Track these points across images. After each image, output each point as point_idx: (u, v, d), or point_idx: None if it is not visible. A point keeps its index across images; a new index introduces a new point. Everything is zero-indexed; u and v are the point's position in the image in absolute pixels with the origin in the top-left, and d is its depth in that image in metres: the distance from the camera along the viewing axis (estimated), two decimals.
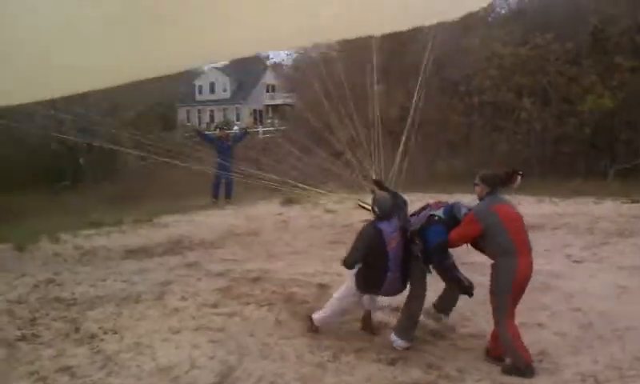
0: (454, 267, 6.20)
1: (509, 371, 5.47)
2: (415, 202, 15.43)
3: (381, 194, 6.38)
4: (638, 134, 21.89)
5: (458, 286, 6.16)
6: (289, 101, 53.89)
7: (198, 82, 65.44)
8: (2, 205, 23.26)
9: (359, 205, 7.21)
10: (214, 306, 7.61)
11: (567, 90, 24.03)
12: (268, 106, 63.66)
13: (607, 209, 13.49)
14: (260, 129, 49.95)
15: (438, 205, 6.31)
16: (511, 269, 5.51)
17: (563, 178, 19.05)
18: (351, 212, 14.23)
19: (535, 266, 8.93)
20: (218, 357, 5.97)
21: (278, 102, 60.50)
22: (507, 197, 5.98)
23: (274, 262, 9.90)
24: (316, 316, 6.67)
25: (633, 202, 13.89)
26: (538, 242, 10.66)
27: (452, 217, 6.02)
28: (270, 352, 6.10)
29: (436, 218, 6.06)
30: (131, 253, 10.72)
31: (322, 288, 8.30)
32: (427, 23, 4.99)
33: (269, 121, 59.79)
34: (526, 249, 5.67)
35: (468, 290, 6.14)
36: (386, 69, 32.46)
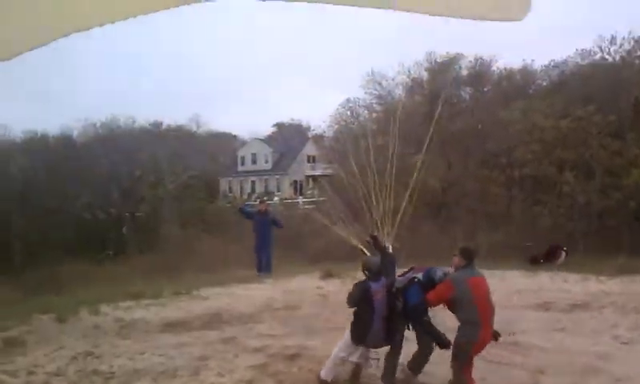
0: (429, 325, 6.78)
1: None
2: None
3: (369, 258, 7.31)
4: None
5: (436, 341, 6.75)
6: (328, 171, 54.29)
7: (240, 153, 66.70)
8: (46, 275, 23.78)
9: (360, 249, 8.05)
10: (250, 383, 7.51)
11: (611, 163, 23.66)
12: (308, 176, 64.23)
13: None
14: (300, 200, 50.34)
15: (420, 268, 7.06)
16: (473, 335, 6.30)
17: (608, 254, 18.50)
18: None
19: (581, 347, 8.74)
20: None
21: (318, 172, 61.02)
22: (480, 271, 6.72)
23: (313, 338, 9.76)
24: (322, 373, 7.33)
25: None
26: (584, 322, 10.39)
27: (430, 279, 6.76)
28: None
29: (416, 279, 6.84)
30: (170, 326, 10.74)
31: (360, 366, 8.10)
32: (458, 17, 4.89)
33: (309, 191, 60.23)
34: (488, 322, 6.40)
35: (445, 345, 6.68)
36: (422, 139, 32.57)
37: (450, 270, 6.89)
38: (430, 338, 6.84)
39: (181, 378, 7.78)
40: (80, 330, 10.59)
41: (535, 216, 24.43)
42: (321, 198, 47.22)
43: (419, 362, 7.23)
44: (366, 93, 44.65)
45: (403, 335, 7.07)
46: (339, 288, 14.16)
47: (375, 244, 7.48)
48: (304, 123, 72.98)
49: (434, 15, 5.24)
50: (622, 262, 16.17)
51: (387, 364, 7.15)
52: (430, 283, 6.73)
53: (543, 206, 24.66)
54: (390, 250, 7.61)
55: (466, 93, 40.62)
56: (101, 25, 4.63)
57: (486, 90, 39.64)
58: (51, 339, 9.90)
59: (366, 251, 7.78)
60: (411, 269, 7.24)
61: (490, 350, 8.83)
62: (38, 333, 10.35)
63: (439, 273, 6.79)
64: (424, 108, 34.24)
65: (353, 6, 5.24)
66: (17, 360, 8.75)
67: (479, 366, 7.65)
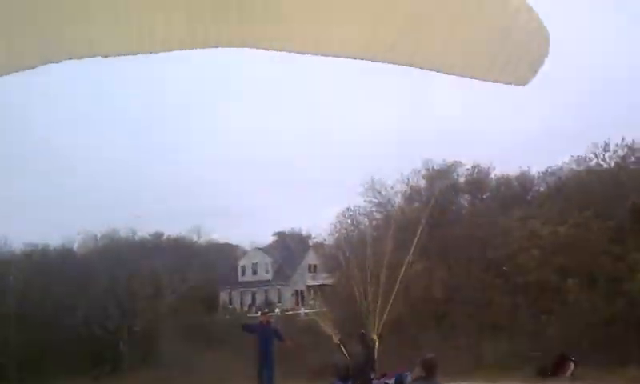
0: None
1: None
2: None
3: (338, 360, 8.59)
4: None
5: None
6: (329, 281, 53.84)
7: (241, 263, 66.31)
8: None
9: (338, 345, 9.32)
10: None
11: (613, 268, 23.42)
12: (310, 286, 63.49)
13: None
14: (302, 311, 49.64)
15: (392, 373, 8.18)
16: None
17: (617, 364, 17.99)
18: None
19: None
20: None
21: (319, 282, 60.39)
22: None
23: None
24: None
25: None
26: None
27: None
28: None
29: None
30: None
31: None
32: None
33: (311, 301, 59.41)
34: None
35: None
36: (425, 245, 32.45)
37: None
38: None
39: None
40: None
41: (541, 325, 23.89)
42: (323, 309, 46.63)
43: None
44: (365, 201, 44.94)
45: None
46: None
47: (362, 339, 8.47)
48: (304, 232, 73.00)
49: (436, 70, 5.14)
50: (633, 375, 15.69)
51: None
52: None
53: (549, 314, 24.18)
54: (376, 342, 8.81)
55: (465, 200, 40.89)
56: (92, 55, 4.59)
57: (484, 196, 39.92)
58: None
59: (343, 349, 8.93)
60: (384, 374, 8.15)
61: None
62: None
63: (409, 379, 7.46)
64: (423, 215, 34.14)
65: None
66: None
67: None
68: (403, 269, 8.84)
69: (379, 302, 9.17)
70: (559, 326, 23.64)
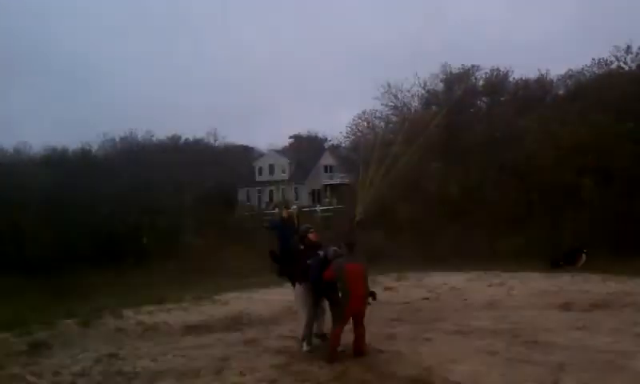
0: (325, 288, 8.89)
1: (325, 357, 8.46)
2: (474, 279, 15.24)
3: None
4: None
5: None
6: (346, 180, 54.38)
7: (257, 164, 66.97)
8: (69, 282, 24.04)
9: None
10: (273, 381, 7.59)
11: (630, 168, 23.45)
12: (326, 185, 64.26)
13: None
14: (318, 208, 50.41)
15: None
16: (344, 303, 8.52)
17: (630, 257, 18.39)
18: (410, 289, 14.15)
19: (601, 345, 8.71)
20: None
21: (336, 181, 61.06)
22: (359, 258, 8.86)
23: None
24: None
25: None
26: (605, 321, 10.34)
27: (325, 256, 8.88)
28: None
29: (320, 256, 8.93)
30: (192, 329, 10.88)
31: (378, 363, 8.15)
32: None
33: (327, 200, 60.26)
34: (357, 294, 8.56)
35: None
36: (443, 147, 32.65)
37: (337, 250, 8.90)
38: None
39: (203, 377, 7.87)
40: (103, 333, 10.77)
41: (555, 221, 24.25)
42: (338, 206, 47.40)
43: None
44: (382, 104, 44.67)
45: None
46: None
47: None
48: (320, 135, 73.13)
49: None
50: None
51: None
52: (326, 260, 8.83)
53: (563, 211, 24.47)
54: (358, 219, 10.15)
55: (483, 103, 40.54)
56: None
57: (502, 99, 39.51)
58: (76, 342, 10.08)
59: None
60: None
61: (510, 348, 8.89)
62: (63, 336, 10.54)
63: (330, 251, 8.90)
64: (440, 119, 34.26)
65: None
66: (43, 362, 8.93)
67: (497, 362, 7.67)
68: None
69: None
70: (573, 222, 23.98)
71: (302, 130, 76.60)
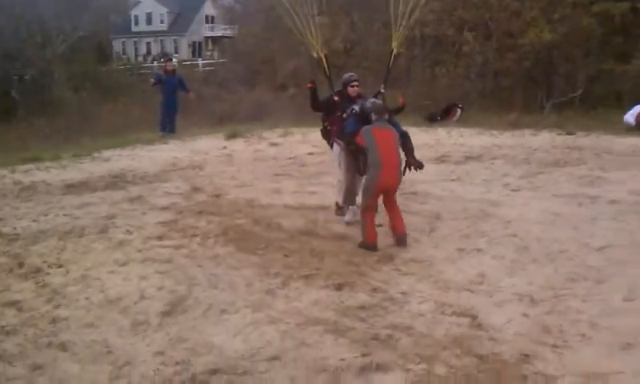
0: (353, 146, 7.55)
1: (361, 245, 7.16)
2: None
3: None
4: (576, 68, 22.40)
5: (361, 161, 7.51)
6: (229, 33, 52.76)
7: (133, 13, 63.14)
8: None
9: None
10: (160, 238, 7.57)
11: (509, 24, 24.24)
12: (207, 37, 62.15)
13: (543, 140, 13.95)
14: (200, 62, 48.91)
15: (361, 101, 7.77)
16: (375, 176, 7.16)
17: (502, 111, 19.48)
18: (295, 145, 14.32)
19: (474, 195, 9.35)
20: (167, 287, 5.98)
21: (218, 34, 59.13)
22: (389, 125, 7.43)
23: (220, 195, 9.88)
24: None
25: (567, 133, 14.39)
26: (477, 172, 11.06)
27: (362, 110, 7.50)
28: (218, 281, 6.14)
29: (354, 111, 7.61)
30: (72, 188, 10.49)
31: (267, 219, 8.33)
32: None
33: (208, 53, 58.52)
34: (391, 166, 7.18)
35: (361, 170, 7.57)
36: (330, 0, 32.12)
37: (375, 101, 7.59)
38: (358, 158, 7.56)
39: (88, 236, 7.71)
40: None
41: (435, 76, 24.98)
42: (221, 60, 46.22)
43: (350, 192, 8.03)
44: None
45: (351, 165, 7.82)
46: (244, 147, 14.26)
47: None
48: None
49: None
50: (513, 118, 17.12)
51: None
52: (362, 113, 7.47)
53: (442, 66, 25.17)
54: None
55: None
56: None
57: None
58: None
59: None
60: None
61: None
62: None
63: (368, 105, 7.46)
64: None
65: None
66: None
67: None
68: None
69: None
70: (451, 76, 24.80)
71: None
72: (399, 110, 8.03)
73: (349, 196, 8.07)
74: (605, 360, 4.49)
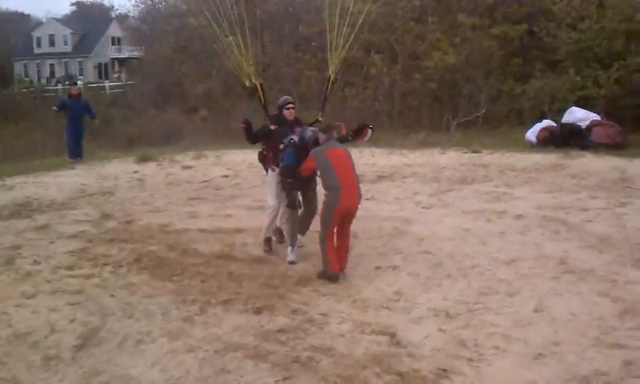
0: (289, 186, 7.14)
1: (321, 276, 6.81)
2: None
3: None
4: (478, 88, 23.34)
5: (288, 199, 7.17)
6: (136, 54, 51.80)
7: (35, 34, 60.84)
8: None
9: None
10: (70, 268, 7.30)
11: (413, 46, 25.02)
12: (114, 59, 60.71)
13: (451, 159, 14.43)
14: (107, 83, 47.67)
15: (298, 131, 7.39)
16: (334, 200, 6.68)
17: (411, 131, 20.05)
18: (209, 168, 14.16)
19: (387, 213, 9.55)
20: (79, 319, 5.77)
21: (125, 55, 57.89)
22: (339, 143, 7.15)
23: (132, 221, 9.63)
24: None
25: (473, 151, 14.96)
26: (390, 190, 11.32)
27: (302, 140, 7.13)
28: (133, 311, 5.98)
29: (292, 141, 7.20)
30: None
31: (182, 245, 8.19)
32: None
33: (115, 75, 57.16)
34: (349, 187, 6.75)
35: (291, 205, 7.15)
36: (240, 21, 32.06)
37: (315, 130, 7.21)
38: (287, 196, 7.21)
39: None
40: None
41: (345, 97, 25.38)
42: (129, 82, 45.19)
43: (301, 224, 7.56)
44: None
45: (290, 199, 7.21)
46: (156, 171, 13.96)
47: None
48: (106, 2, 67.98)
49: None
50: (421, 137, 17.64)
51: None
52: (302, 144, 7.10)
53: (351, 88, 25.64)
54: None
55: None
56: None
57: None
58: None
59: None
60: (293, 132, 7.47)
61: None
62: None
63: (309, 133, 7.13)
64: None
65: None
66: None
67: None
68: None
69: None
70: (361, 98, 25.30)
71: None
72: (344, 140, 7.67)
73: (293, 232, 7.60)
74: (519, 371, 4.69)
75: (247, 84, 8.25)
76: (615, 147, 14.59)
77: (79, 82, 20.64)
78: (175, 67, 33.51)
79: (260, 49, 31.21)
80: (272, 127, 7.65)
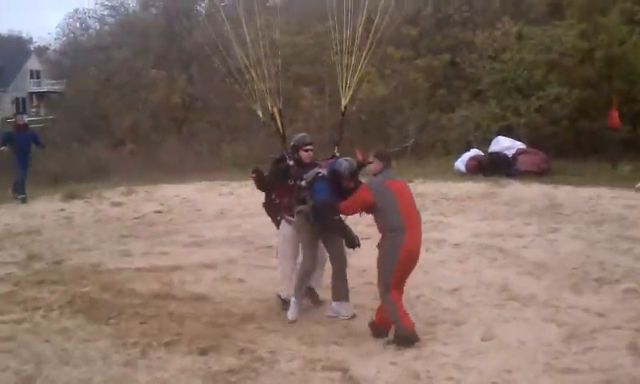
0: (340, 223, 6.23)
1: (395, 340, 5.67)
2: (204, 189, 15.33)
3: None
4: (406, 119, 23.79)
5: (347, 239, 6.22)
6: (56, 88, 50.32)
7: None
8: None
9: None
10: None
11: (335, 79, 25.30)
12: (32, 93, 58.81)
13: None
14: (25, 118, 45.94)
15: (324, 164, 6.48)
16: (397, 243, 5.57)
17: None
18: (140, 203, 13.79)
19: None
20: (12, 368, 5.39)
21: (44, 89, 56.14)
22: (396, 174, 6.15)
23: (61, 261, 9.20)
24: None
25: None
26: None
27: (334, 173, 6.14)
28: (70, 357, 5.66)
29: (320, 174, 6.21)
30: None
31: (117, 285, 7.87)
32: None
33: (33, 110, 55.35)
34: (415, 228, 5.71)
35: (354, 244, 6.22)
36: (166, 54, 31.75)
37: (351, 160, 6.31)
38: (341, 236, 6.23)
39: None
40: None
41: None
42: (49, 117, 43.71)
43: (338, 287, 6.60)
44: (97, 4, 41.68)
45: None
46: (84, 209, 13.48)
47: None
48: (25, 35, 65.76)
49: None
50: None
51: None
52: (334, 177, 6.12)
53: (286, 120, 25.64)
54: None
55: (202, 8, 40.02)
56: None
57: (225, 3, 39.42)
58: None
59: None
60: (315, 165, 6.49)
61: (247, 255, 9.24)
62: None
63: (345, 164, 6.11)
64: (161, 22, 33.28)
65: None
66: None
67: (237, 269, 7.96)
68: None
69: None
70: (292, 130, 25.30)
71: (2, 28, 68.15)
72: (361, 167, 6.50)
73: (304, 281, 6.62)
74: None
75: (261, 115, 7.53)
76: (540, 174, 15.18)
77: (25, 116, 19.64)
78: (100, 100, 32.70)
79: (187, 81, 30.98)
80: (290, 162, 6.56)
